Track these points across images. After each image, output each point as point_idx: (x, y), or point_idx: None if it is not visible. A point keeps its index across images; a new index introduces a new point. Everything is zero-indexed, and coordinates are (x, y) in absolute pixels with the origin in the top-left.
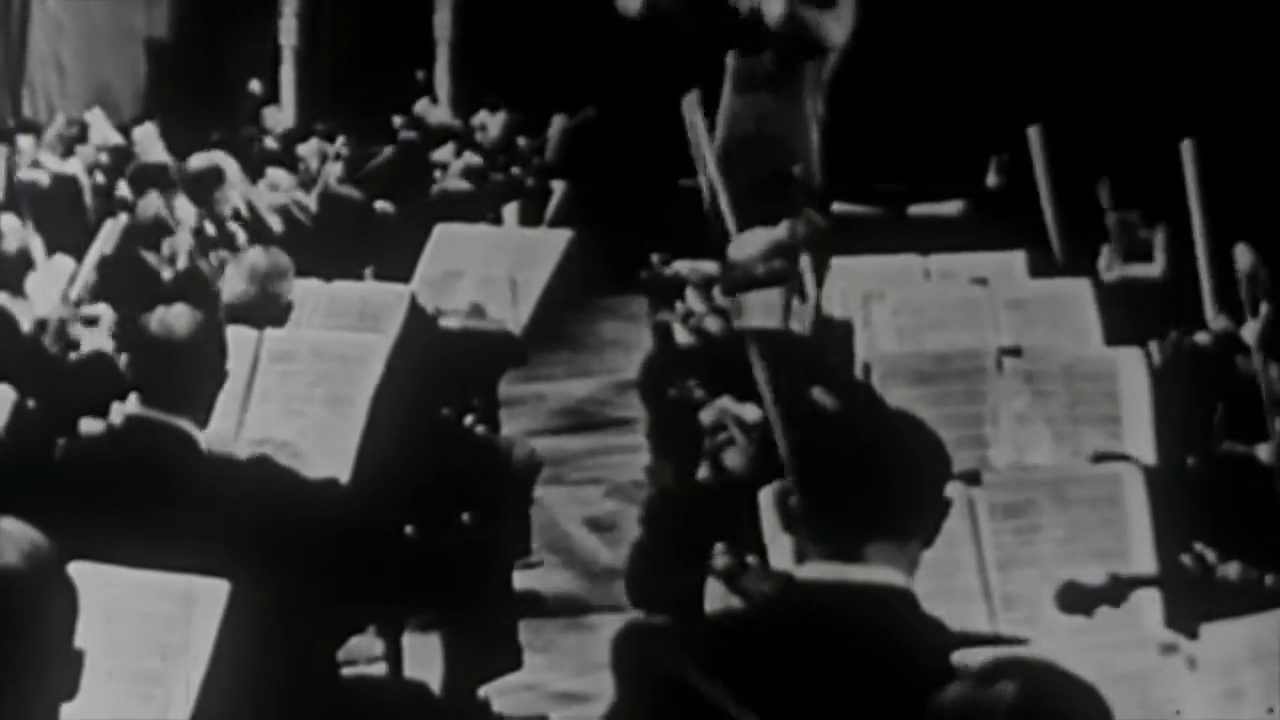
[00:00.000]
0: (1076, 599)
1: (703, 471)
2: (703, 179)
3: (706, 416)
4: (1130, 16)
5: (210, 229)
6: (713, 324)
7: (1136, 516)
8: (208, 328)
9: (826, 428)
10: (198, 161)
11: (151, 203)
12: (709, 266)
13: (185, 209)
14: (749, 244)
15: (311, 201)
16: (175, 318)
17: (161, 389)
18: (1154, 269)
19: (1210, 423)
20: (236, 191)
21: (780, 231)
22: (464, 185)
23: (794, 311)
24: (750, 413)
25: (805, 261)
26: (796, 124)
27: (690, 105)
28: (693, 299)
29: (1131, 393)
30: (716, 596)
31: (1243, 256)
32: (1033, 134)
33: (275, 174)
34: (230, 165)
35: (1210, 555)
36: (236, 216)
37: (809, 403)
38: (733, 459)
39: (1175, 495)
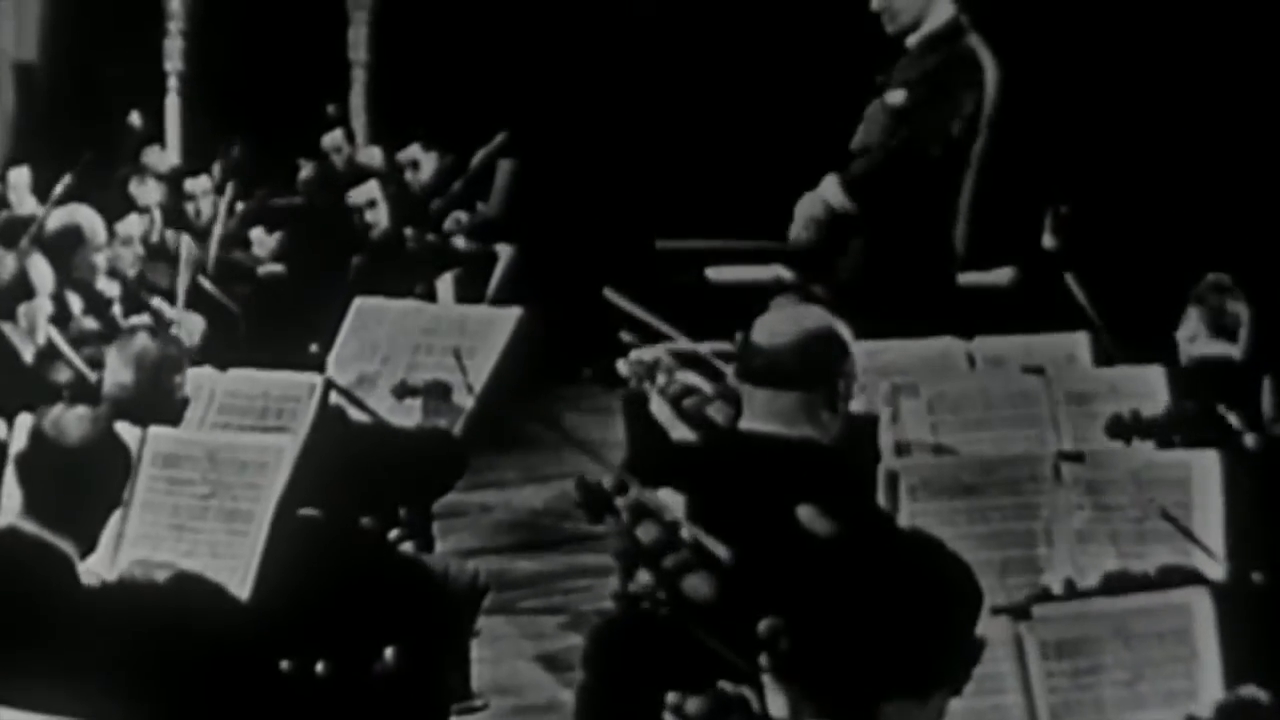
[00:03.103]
0: None
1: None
2: None
3: (647, 534)
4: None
5: (77, 301)
6: (719, 412)
7: (1206, 651)
8: (107, 437)
9: (828, 555)
10: (54, 219)
11: (6, 266)
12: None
13: (43, 272)
14: (781, 329)
15: (208, 259)
16: (71, 420)
17: (44, 498)
18: (1234, 349)
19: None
20: (102, 255)
21: (818, 319)
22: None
23: (820, 422)
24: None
25: (853, 364)
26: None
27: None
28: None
29: (1204, 501)
30: None
31: None
32: None
33: (128, 224)
34: (93, 221)
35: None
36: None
37: (799, 525)
38: (694, 586)
39: (1245, 619)
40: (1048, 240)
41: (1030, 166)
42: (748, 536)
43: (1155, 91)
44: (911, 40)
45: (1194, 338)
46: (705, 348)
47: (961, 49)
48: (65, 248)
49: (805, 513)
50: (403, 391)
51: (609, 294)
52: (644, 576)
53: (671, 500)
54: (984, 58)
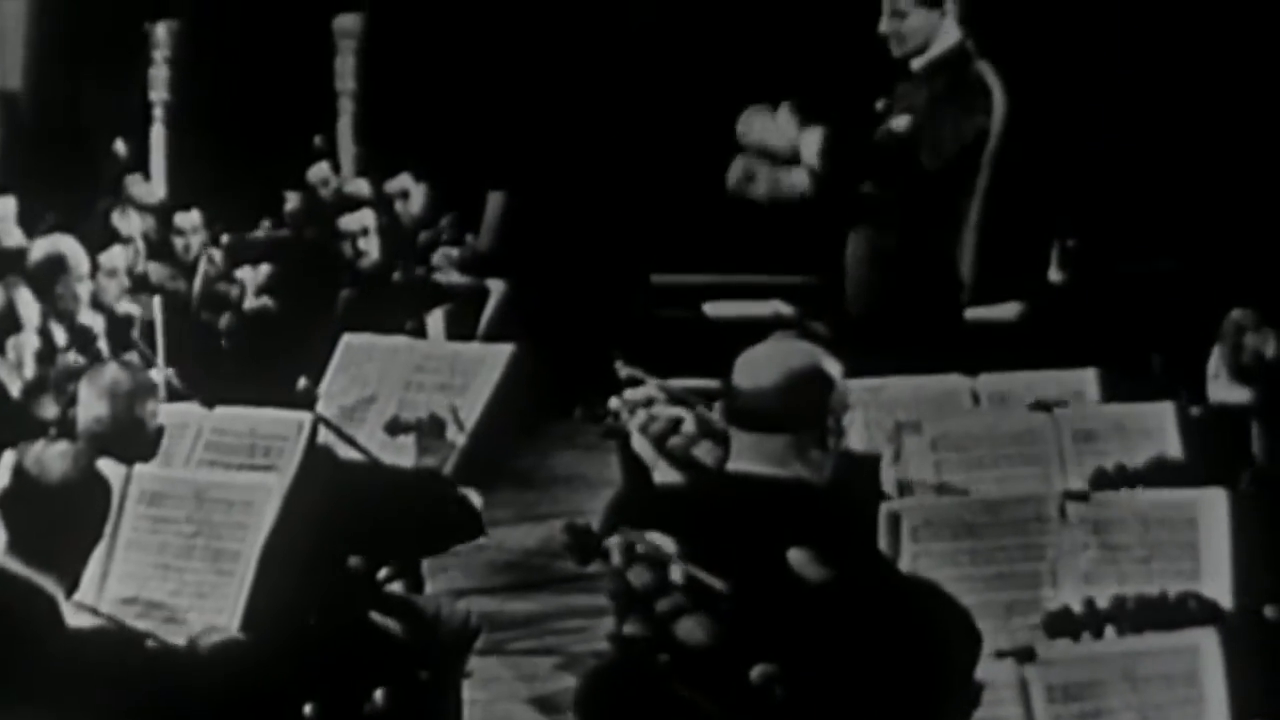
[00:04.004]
0: None
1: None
2: None
3: (639, 578)
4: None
5: (61, 333)
6: (707, 453)
7: (1214, 693)
8: (89, 474)
9: (820, 600)
10: (38, 249)
11: None
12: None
13: (29, 305)
14: (763, 372)
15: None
16: (53, 457)
17: (27, 536)
18: (1245, 394)
19: None
20: (86, 285)
21: (800, 356)
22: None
23: (811, 461)
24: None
25: (841, 398)
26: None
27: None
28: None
29: (1211, 540)
30: None
31: None
32: None
33: (112, 255)
34: (76, 250)
35: None
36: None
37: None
38: (688, 630)
39: (1252, 659)
40: (1055, 274)
41: (1038, 198)
42: (740, 582)
43: (1170, 122)
44: (917, 64)
45: (1216, 376)
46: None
47: (969, 74)
48: (48, 277)
49: (796, 557)
50: (396, 428)
51: (620, 367)
52: (636, 623)
53: (663, 542)
54: (992, 84)
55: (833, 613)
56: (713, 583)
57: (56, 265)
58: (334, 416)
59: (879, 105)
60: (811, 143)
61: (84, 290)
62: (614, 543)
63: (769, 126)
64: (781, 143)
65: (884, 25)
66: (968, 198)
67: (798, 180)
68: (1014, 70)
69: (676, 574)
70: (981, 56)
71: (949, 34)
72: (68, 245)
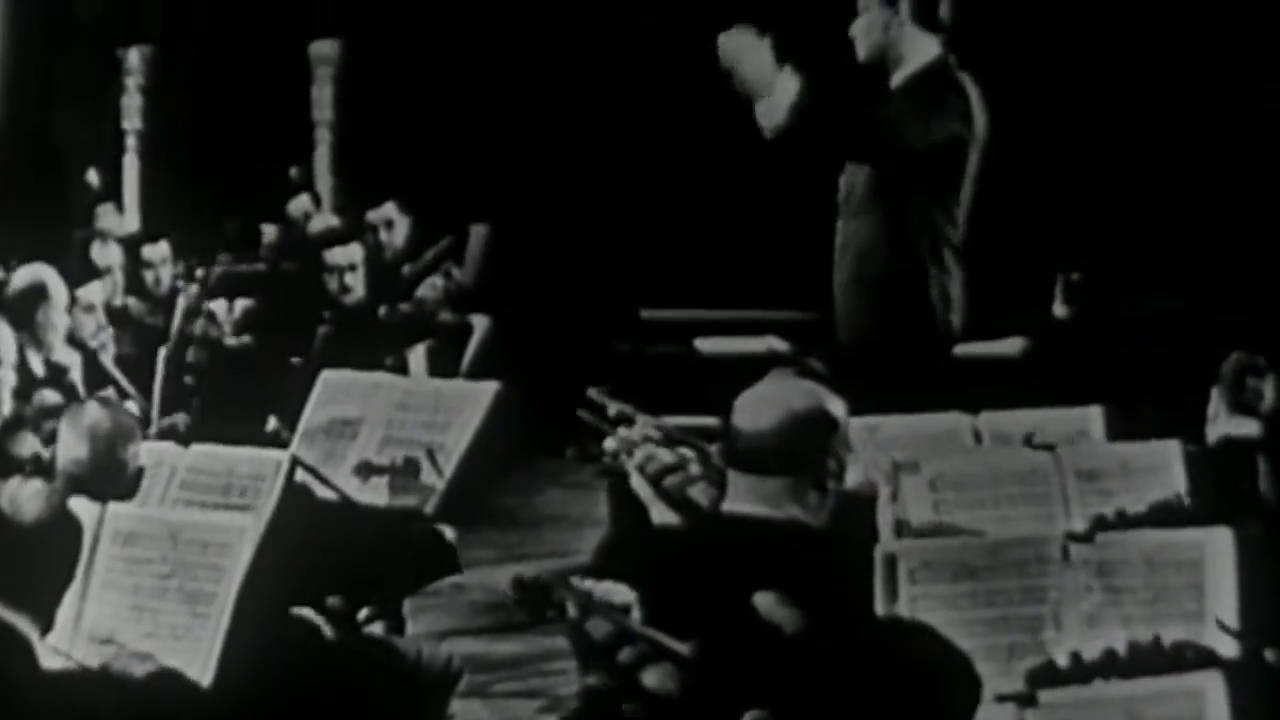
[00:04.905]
0: None
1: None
2: None
3: (597, 630)
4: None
5: (39, 365)
6: (703, 494)
7: None
8: (62, 513)
9: (806, 645)
10: (18, 278)
11: None
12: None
13: (7, 339)
14: (763, 412)
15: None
16: (27, 496)
17: (2, 575)
18: (1251, 427)
19: None
20: (64, 317)
21: (803, 396)
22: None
23: (808, 503)
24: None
25: (844, 439)
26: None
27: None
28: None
29: (1217, 581)
30: None
31: None
32: None
33: (89, 290)
34: (57, 280)
35: None
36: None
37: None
38: (659, 680)
39: (1258, 702)
40: (1059, 310)
41: (1039, 228)
42: (730, 625)
43: (1176, 155)
44: (896, 80)
45: (1215, 418)
46: (692, 424)
47: (950, 84)
48: (28, 307)
49: (764, 601)
50: (367, 471)
51: (593, 393)
52: (599, 674)
53: (619, 592)
54: (973, 95)
55: (812, 657)
56: (676, 647)
57: (37, 294)
58: (314, 455)
59: None
60: (789, 90)
61: (62, 321)
62: (568, 596)
63: (746, 51)
64: (759, 79)
65: (853, 28)
66: (952, 216)
67: (774, 112)
68: (1001, 89)
69: (635, 622)
70: (963, 70)
71: (928, 48)
72: (48, 274)
